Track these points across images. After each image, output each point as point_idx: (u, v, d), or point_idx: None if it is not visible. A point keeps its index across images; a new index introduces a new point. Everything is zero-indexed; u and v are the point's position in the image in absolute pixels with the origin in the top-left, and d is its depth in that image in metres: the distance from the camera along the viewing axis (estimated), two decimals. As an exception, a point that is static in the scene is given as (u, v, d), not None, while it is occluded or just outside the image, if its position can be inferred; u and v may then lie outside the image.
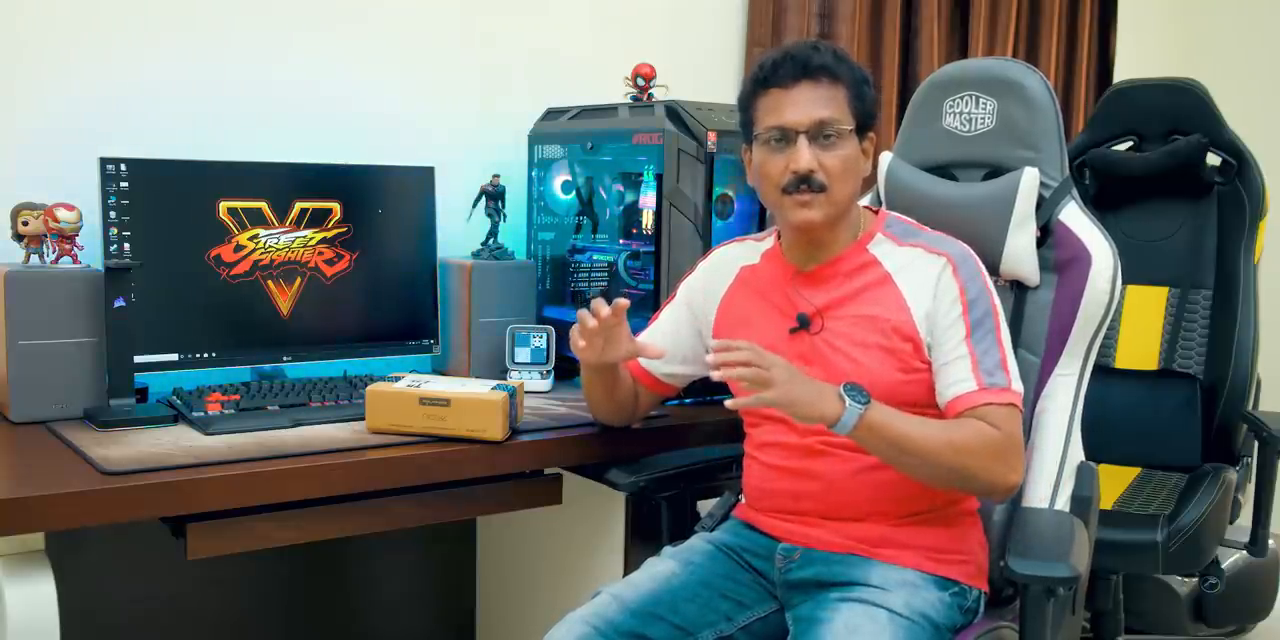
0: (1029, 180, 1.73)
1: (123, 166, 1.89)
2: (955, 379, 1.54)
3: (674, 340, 1.81)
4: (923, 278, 1.59)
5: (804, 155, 1.56)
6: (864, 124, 1.62)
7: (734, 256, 1.78)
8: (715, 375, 1.44)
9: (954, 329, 1.55)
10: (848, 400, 1.43)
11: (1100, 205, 2.64)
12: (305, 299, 2.07)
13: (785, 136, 1.58)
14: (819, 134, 1.57)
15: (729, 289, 1.75)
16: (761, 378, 1.42)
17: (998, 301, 1.60)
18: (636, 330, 1.88)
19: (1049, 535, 1.54)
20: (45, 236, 1.86)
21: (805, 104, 1.57)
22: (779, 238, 1.73)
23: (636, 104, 2.19)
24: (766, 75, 1.60)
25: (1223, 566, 2.37)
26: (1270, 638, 2.95)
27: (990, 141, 1.82)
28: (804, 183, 1.57)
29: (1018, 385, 1.55)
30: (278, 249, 2.03)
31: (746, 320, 1.71)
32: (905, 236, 1.65)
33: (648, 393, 1.84)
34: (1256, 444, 2.44)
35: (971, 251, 1.63)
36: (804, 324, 1.64)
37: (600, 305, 1.65)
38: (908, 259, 1.62)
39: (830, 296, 1.63)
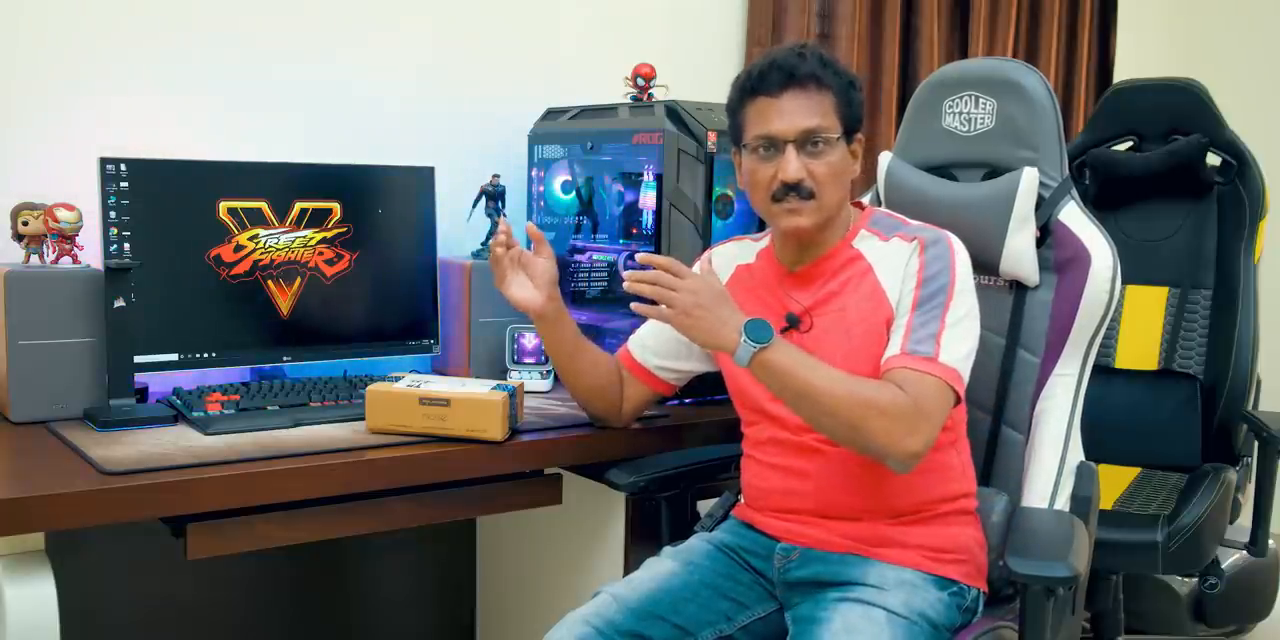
0: (1029, 180, 1.73)
1: (123, 166, 1.89)
2: (890, 343, 1.54)
3: (669, 337, 1.80)
4: (896, 263, 1.60)
5: (792, 165, 1.56)
6: (851, 128, 1.62)
7: (730, 255, 1.79)
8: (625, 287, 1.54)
9: (904, 299, 1.56)
10: (742, 337, 1.46)
11: (1100, 205, 2.64)
12: (305, 299, 2.07)
13: (773, 145, 1.58)
14: (806, 142, 1.57)
15: (725, 287, 1.75)
16: (662, 297, 1.49)
17: (961, 284, 1.56)
18: (634, 329, 1.88)
19: (1049, 535, 1.54)
20: (45, 236, 1.86)
21: (792, 113, 1.57)
22: (774, 238, 1.73)
23: (636, 104, 2.19)
24: (754, 84, 1.60)
25: (1223, 566, 2.36)
26: (1270, 638, 2.95)
27: (990, 141, 1.82)
28: (792, 191, 1.57)
29: (948, 359, 1.50)
30: (278, 249, 2.03)
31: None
32: (889, 230, 1.65)
33: (640, 386, 1.83)
34: (1256, 444, 2.44)
35: (951, 237, 1.61)
36: (793, 324, 1.64)
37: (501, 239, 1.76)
38: (888, 250, 1.62)
39: (816, 295, 1.64)
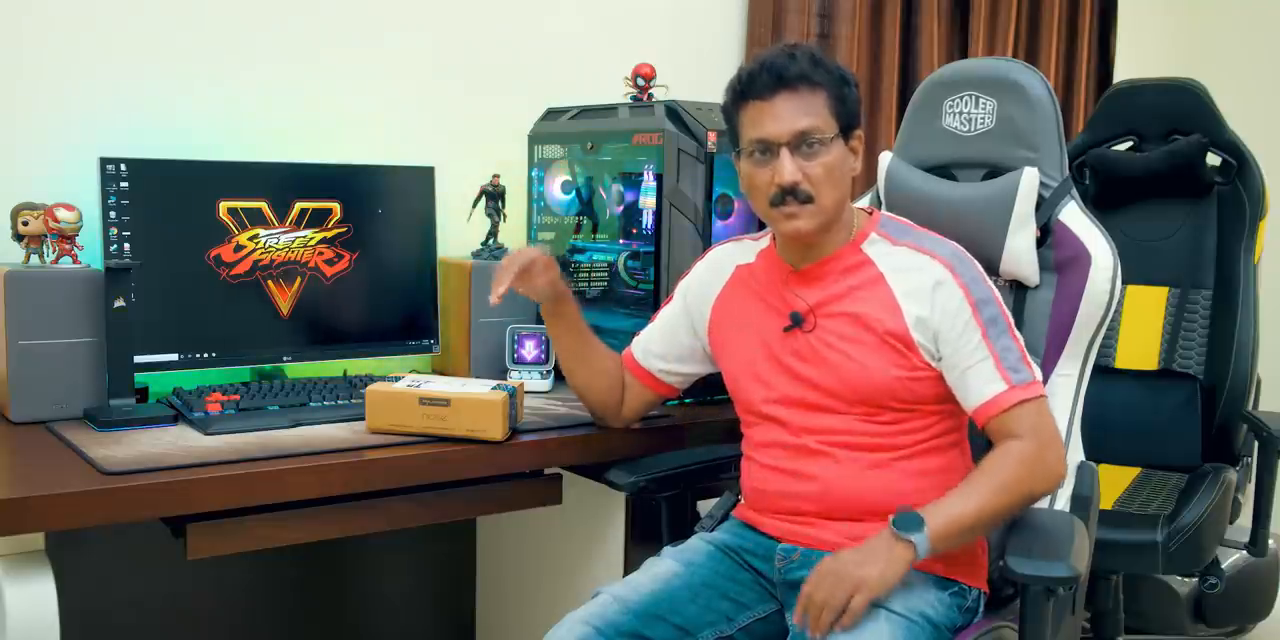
0: (1029, 180, 1.73)
1: (123, 166, 1.89)
2: (983, 381, 1.54)
3: (671, 339, 1.81)
4: (917, 282, 1.58)
5: (787, 168, 1.55)
6: (848, 125, 1.60)
7: (730, 256, 1.78)
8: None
9: (968, 332, 1.55)
10: (904, 534, 1.44)
11: (1100, 205, 2.64)
12: (305, 299, 2.07)
13: (768, 149, 1.57)
14: (801, 144, 1.56)
15: (724, 288, 1.75)
16: (821, 605, 1.42)
17: (1000, 296, 1.60)
18: (636, 330, 1.88)
19: (1049, 535, 1.54)
20: (45, 236, 1.86)
21: (785, 115, 1.55)
22: (775, 237, 1.73)
23: (636, 104, 2.19)
24: (744, 87, 1.58)
25: (1223, 566, 2.36)
26: (1270, 638, 2.94)
27: (990, 141, 1.82)
28: (790, 194, 1.56)
29: (1039, 373, 1.59)
30: (278, 249, 2.03)
31: (742, 319, 1.71)
32: (899, 236, 1.65)
33: (643, 389, 1.83)
34: (1256, 444, 2.44)
35: (965, 251, 1.62)
36: (797, 322, 1.64)
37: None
38: (901, 259, 1.61)
39: (822, 295, 1.63)
